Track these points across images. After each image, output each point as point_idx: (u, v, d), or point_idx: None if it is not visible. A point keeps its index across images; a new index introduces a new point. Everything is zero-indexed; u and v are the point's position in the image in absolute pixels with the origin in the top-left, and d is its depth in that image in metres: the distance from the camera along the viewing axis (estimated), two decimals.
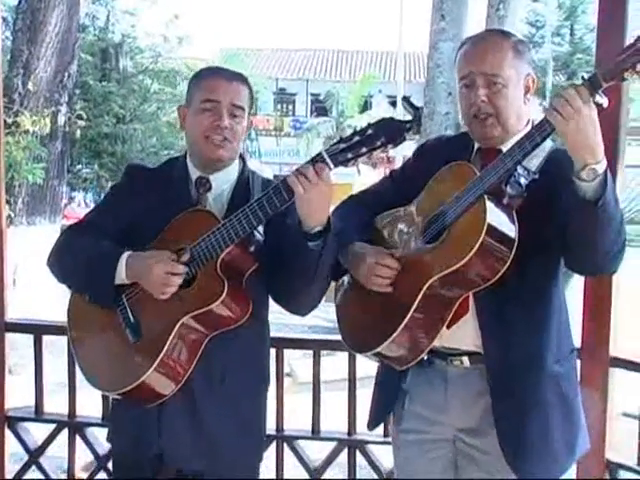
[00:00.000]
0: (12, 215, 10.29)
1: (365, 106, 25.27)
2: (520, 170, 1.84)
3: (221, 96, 2.04)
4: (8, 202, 10.11)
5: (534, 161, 1.89)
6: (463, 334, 1.97)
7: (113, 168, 15.19)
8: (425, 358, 1.99)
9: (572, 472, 2.53)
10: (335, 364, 3.34)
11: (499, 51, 1.95)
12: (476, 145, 2.05)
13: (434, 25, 6.13)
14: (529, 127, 1.97)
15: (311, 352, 2.89)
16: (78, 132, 12.36)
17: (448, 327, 1.94)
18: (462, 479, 2.07)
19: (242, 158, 2.18)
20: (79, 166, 16.52)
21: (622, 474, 2.58)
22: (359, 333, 2.06)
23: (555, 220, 1.86)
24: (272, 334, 2.25)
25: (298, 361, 6.18)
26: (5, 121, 9.30)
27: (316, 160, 1.83)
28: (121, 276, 2.01)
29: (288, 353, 2.93)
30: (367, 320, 2.03)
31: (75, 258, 2.10)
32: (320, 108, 28.85)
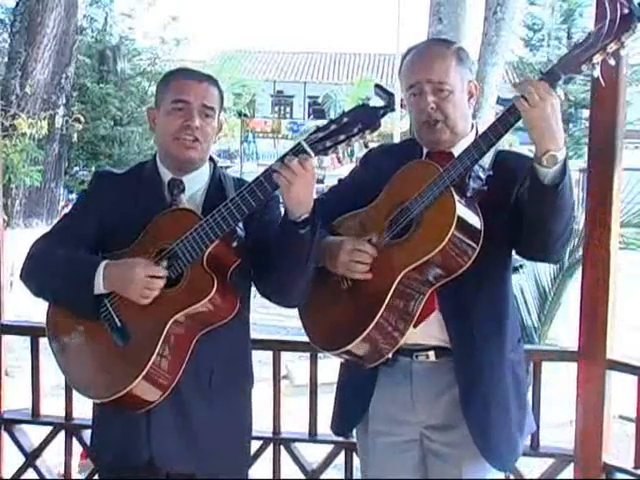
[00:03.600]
0: (9, 217, 10.28)
1: None
2: (477, 165, 1.91)
3: (192, 96, 2.04)
4: (5, 205, 10.10)
5: (485, 159, 1.96)
6: (428, 330, 2.02)
7: None
8: (390, 357, 2.01)
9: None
10: (332, 366, 3.33)
11: (443, 59, 2.03)
12: (425, 149, 2.10)
13: (431, 28, 6.11)
14: (474, 130, 2.07)
15: (308, 354, 2.88)
16: (75, 134, 12.36)
17: (415, 326, 1.97)
18: (432, 479, 2.10)
19: (212, 160, 2.18)
20: (76, 168, 16.49)
21: (619, 477, 2.58)
22: (328, 331, 2.08)
23: (506, 214, 1.95)
24: (269, 337, 2.25)
25: (295, 363, 6.18)
26: (2, 124, 9.30)
27: (297, 150, 1.85)
28: (99, 287, 1.98)
29: (285, 355, 2.93)
30: (336, 318, 2.05)
31: (50, 271, 2.06)
32: (318, 111, 28.87)
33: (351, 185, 2.24)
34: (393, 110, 1.84)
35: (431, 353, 2.05)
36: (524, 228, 1.91)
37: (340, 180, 2.31)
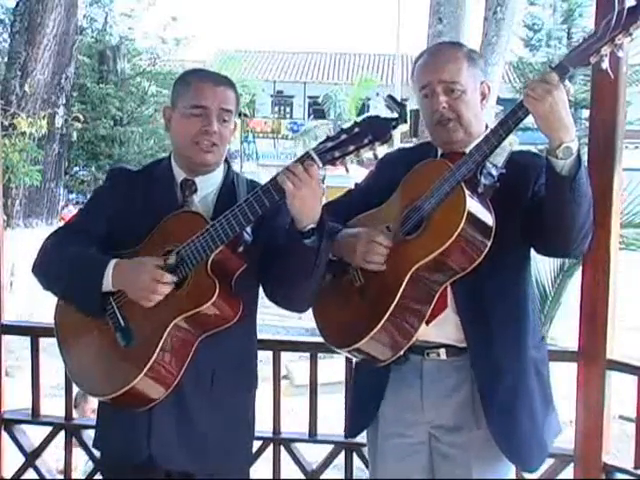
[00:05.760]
0: (8, 217, 10.27)
1: (363, 109, 25.28)
2: (489, 163, 1.91)
3: (209, 101, 2.03)
4: (5, 204, 10.10)
5: (499, 158, 1.96)
6: (442, 329, 2.02)
7: None
8: (401, 354, 2.01)
9: None
10: (332, 367, 3.34)
11: (454, 60, 2.04)
12: (439, 151, 2.11)
13: (431, 28, 6.12)
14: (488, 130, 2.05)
15: (308, 354, 2.89)
16: (75, 134, 12.35)
17: (427, 323, 1.97)
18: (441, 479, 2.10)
19: (226, 161, 2.18)
20: (76, 168, 16.50)
21: (619, 477, 2.58)
22: (340, 329, 2.08)
23: (522, 212, 1.95)
24: (269, 337, 2.25)
25: (295, 364, 6.18)
26: (2, 123, 9.30)
27: (304, 159, 1.84)
28: (108, 285, 1.99)
29: (285, 355, 2.92)
30: (348, 316, 2.05)
31: (60, 266, 2.07)
32: (318, 111, 28.85)
33: (366, 188, 2.26)
34: (405, 122, 1.82)
35: (442, 351, 2.05)
36: (545, 224, 1.91)
37: (357, 184, 2.33)
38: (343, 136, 1.82)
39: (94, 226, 2.13)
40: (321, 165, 1.83)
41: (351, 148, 1.81)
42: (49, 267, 2.11)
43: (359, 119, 1.84)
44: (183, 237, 1.95)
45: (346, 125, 1.84)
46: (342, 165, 1.84)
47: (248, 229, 1.96)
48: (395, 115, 1.82)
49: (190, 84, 2.08)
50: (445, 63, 2.03)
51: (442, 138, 2.05)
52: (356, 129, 1.81)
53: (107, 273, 1.99)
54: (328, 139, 1.84)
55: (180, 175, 2.12)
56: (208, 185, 2.12)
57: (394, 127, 1.81)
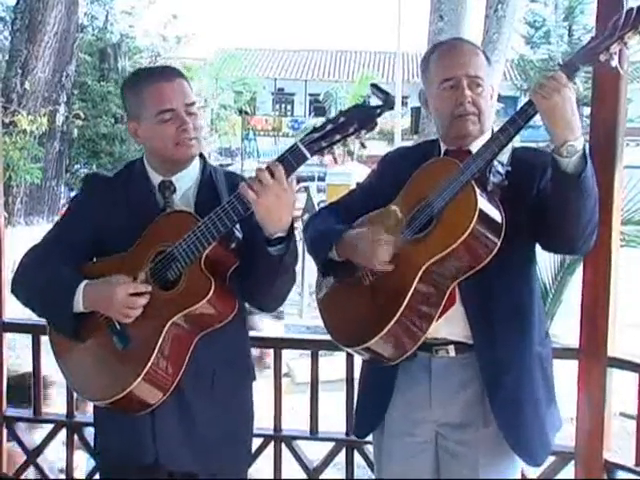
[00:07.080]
0: (9, 215, 10.28)
1: None
2: (497, 161, 1.92)
3: (174, 102, 2.00)
4: (6, 202, 10.10)
5: (504, 156, 1.96)
6: (450, 325, 2.01)
7: (111, 168, 15.18)
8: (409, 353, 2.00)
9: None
10: (333, 364, 3.34)
11: (477, 55, 2.06)
12: (443, 148, 2.10)
13: (432, 25, 6.13)
14: (490, 130, 2.06)
15: (309, 352, 2.89)
16: (76, 132, 12.35)
17: (436, 319, 1.97)
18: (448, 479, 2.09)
19: (201, 155, 2.16)
20: (77, 166, 16.49)
21: (620, 474, 2.58)
22: (349, 328, 2.07)
23: (527, 209, 1.95)
24: (270, 334, 2.24)
25: (296, 361, 6.18)
26: (3, 121, 9.31)
27: (293, 151, 1.84)
28: (78, 307, 1.99)
29: (286, 353, 2.93)
30: (358, 314, 2.04)
31: (32, 290, 2.07)
32: (318, 108, 28.81)
33: (369, 187, 2.25)
34: (391, 109, 1.83)
35: (451, 348, 2.04)
36: (549, 221, 1.91)
37: (358, 183, 2.33)
38: (329, 126, 1.81)
39: (76, 236, 2.10)
40: (309, 156, 1.82)
41: (337, 137, 1.81)
42: (23, 289, 2.11)
43: (344, 109, 1.84)
44: (174, 236, 1.93)
45: (332, 115, 1.85)
46: (330, 155, 1.84)
47: (238, 226, 1.95)
48: (380, 103, 1.82)
49: (142, 91, 2.03)
50: (471, 58, 2.04)
51: (459, 131, 2.03)
52: (342, 118, 1.81)
53: (77, 298, 1.98)
54: (314, 130, 1.83)
55: (155, 177, 2.10)
56: (186, 182, 2.10)
57: (379, 114, 1.81)
